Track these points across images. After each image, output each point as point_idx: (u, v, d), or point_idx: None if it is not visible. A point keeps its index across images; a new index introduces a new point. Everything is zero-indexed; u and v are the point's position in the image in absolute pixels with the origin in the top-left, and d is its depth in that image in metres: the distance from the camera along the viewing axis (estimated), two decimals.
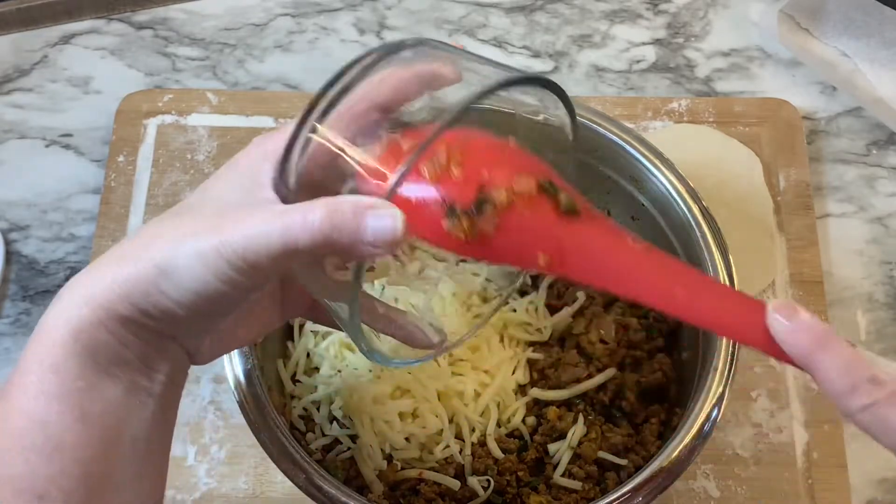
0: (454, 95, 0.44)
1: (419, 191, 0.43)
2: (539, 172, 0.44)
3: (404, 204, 0.42)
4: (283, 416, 0.61)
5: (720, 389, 0.58)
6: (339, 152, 0.42)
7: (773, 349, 0.41)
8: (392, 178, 0.40)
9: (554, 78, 0.45)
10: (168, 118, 0.84)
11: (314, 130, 0.43)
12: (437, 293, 0.63)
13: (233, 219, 0.41)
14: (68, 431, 0.40)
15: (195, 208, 0.44)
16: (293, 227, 0.39)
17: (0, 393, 0.41)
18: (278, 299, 0.50)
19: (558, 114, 0.47)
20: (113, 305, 0.41)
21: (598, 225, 0.44)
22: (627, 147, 0.66)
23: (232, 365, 0.59)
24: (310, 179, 0.43)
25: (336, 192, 0.42)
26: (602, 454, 0.63)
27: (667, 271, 0.44)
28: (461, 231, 0.43)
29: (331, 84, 0.44)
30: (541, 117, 0.47)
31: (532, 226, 0.43)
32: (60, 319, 0.41)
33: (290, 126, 0.44)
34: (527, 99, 0.46)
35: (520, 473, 0.63)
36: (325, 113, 0.43)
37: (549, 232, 0.43)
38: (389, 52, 0.44)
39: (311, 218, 0.39)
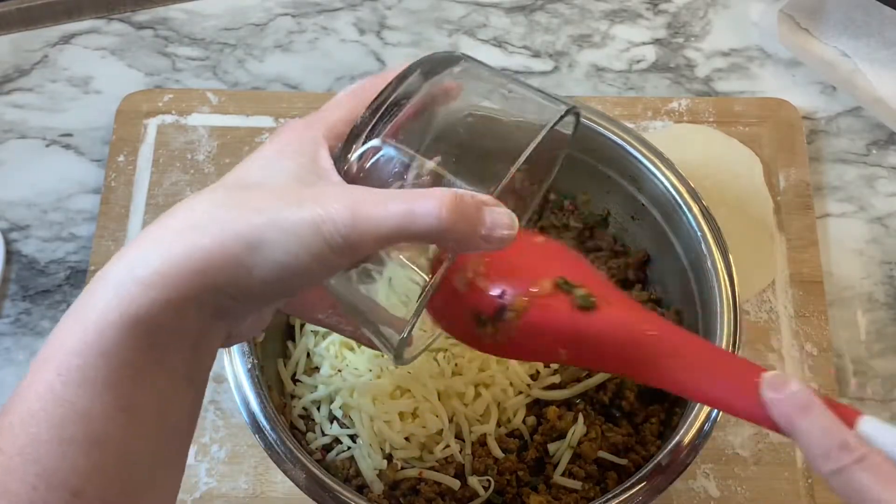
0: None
1: (452, 302, 0.47)
2: (557, 267, 0.47)
3: (442, 312, 0.47)
4: (283, 416, 0.61)
5: None
6: (423, 160, 0.44)
7: (766, 421, 0.43)
8: (492, 188, 0.43)
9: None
10: (168, 118, 0.84)
11: (384, 127, 0.44)
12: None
13: (331, 194, 0.39)
14: (111, 424, 0.37)
15: (262, 183, 0.41)
16: (418, 210, 0.39)
17: (33, 372, 0.38)
18: None
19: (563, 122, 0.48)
20: (186, 284, 0.38)
21: (612, 316, 0.46)
22: (627, 147, 0.66)
23: (232, 365, 0.59)
24: (377, 176, 0.43)
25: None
26: (602, 454, 0.63)
27: (673, 360, 0.46)
28: (489, 337, 0.47)
29: (394, 87, 0.45)
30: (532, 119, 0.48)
31: (550, 325, 0.47)
32: (115, 300, 0.37)
33: (333, 112, 0.44)
34: (528, 107, 0.48)
35: (520, 473, 0.63)
36: (389, 115, 0.44)
37: (566, 329, 0.46)
38: (447, 63, 0.46)
39: (437, 204, 0.39)
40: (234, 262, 0.38)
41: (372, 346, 0.51)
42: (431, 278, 0.43)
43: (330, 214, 0.38)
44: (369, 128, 0.44)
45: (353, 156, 0.43)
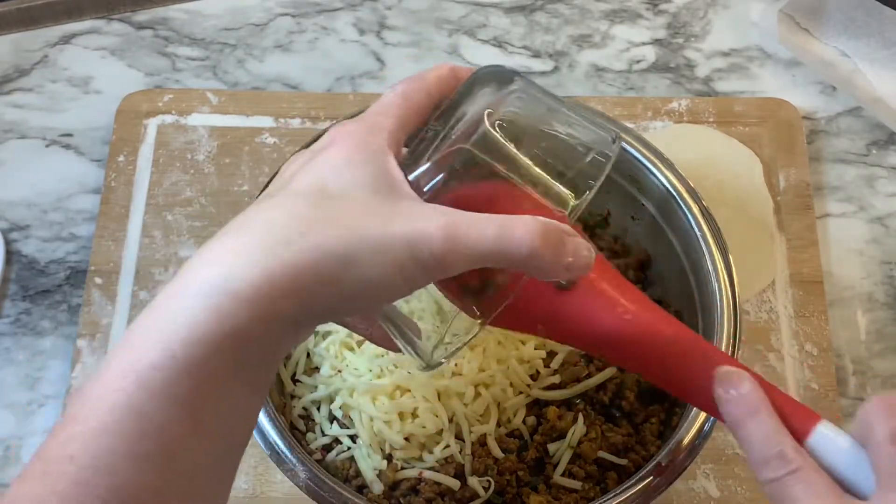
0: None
1: None
2: None
3: None
4: (283, 416, 0.61)
5: None
6: (499, 172, 0.44)
7: (718, 414, 0.44)
8: (565, 211, 0.44)
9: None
10: (168, 118, 0.84)
11: (456, 139, 0.44)
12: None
13: (423, 213, 0.39)
14: (185, 440, 0.36)
15: (342, 195, 0.40)
16: (512, 236, 0.39)
17: (105, 382, 0.36)
18: None
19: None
20: (280, 300, 0.37)
21: (587, 297, 0.47)
22: (627, 147, 0.66)
23: None
24: (449, 189, 0.43)
25: (478, 207, 0.42)
26: (602, 454, 0.63)
27: (644, 343, 0.47)
28: (473, 305, 0.46)
29: (456, 102, 0.46)
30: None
31: (529, 300, 0.47)
32: (204, 314, 0.36)
33: (387, 118, 0.44)
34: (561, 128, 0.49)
35: (520, 473, 0.63)
36: (453, 130, 0.45)
37: (544, 305, 0.47)
38: (505, 81, 0.48)
39: (529, 232, 0.39)
40: (327, 280, 0.38)
41: (388, 346, 0.51)
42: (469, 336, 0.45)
43: (424, 234, 0.38)
44: (437, 143, 0.44)
45: (421, 169, 0.43)
